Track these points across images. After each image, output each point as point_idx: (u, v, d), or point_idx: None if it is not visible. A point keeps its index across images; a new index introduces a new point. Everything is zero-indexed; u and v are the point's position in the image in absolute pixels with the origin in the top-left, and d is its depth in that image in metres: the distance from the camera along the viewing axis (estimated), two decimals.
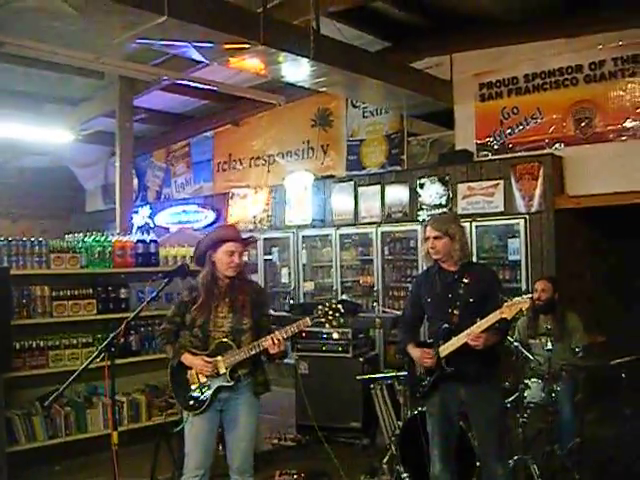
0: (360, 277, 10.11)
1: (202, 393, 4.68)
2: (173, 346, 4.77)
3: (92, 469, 6.91)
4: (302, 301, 10.32)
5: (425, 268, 5.20)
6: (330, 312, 4.63)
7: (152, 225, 13.30)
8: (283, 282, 10.93)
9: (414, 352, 4.90)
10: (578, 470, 5.84)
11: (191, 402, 4.69)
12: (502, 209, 8.87)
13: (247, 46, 7.03)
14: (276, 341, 4.60)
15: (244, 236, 4.93)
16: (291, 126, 11.80)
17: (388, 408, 7.16)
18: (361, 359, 7.83)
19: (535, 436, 6.06)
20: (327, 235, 10.37)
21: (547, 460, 5.82)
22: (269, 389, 4.93)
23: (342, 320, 4.69)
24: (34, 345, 6.96)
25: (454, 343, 4.63)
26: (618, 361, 5.99)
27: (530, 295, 4.70)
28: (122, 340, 4.54)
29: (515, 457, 5.61)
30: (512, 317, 4.49)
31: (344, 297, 9.37)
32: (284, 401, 7.88)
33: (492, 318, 4.48)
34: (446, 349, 4.69)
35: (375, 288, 9.76)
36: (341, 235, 10.18)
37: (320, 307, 4.67)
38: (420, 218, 9.46)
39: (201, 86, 9.22)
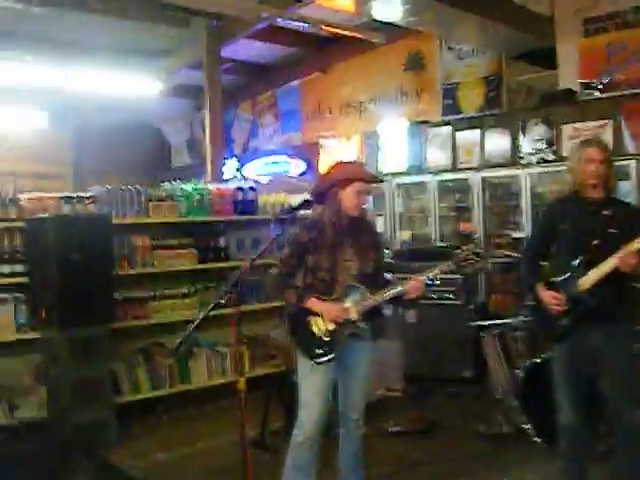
0: (460, 224, 9.75)
1: (330, 341, 4.39)
2: (294, 290, 4.43)
3: (196, 420, 6.86)
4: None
5: (558, 197, 4.82)
6: (471, 255, 4.35)
7: (240, 177, 13.16)
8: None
9: (544, 294, 4.53)
10: None
11: (319, 351, 4.38)
12: (611, 150, 8.38)
13: None
14: (418, 285, 4.35)
15: (373, 175, 4.63)
16: (382, 71, 11.38)
17: (500, 357, 6.91)
18: (471, 306, 7.55)
19: None
20: (423, 182, 10.01)
21: None
22: (385, 335, 4.69)
23: (481, 265, 4.41)
24: (135, 296, 6.88)
25: (599, 272, 4.25)
26: None
27: None
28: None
29: None
30: None
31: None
32: (389, 351, 7.61)
33: None
34: (587, 281, 4.32)
35: (476, 235, 9.40)
36: (438, 182, 9.81)
37: (460, 250, 4.39)
38: (523, 162, 9.05)
39: (296, 27, 8.91)
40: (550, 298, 4.49)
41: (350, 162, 4.95)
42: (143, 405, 6.79)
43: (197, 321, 4.12)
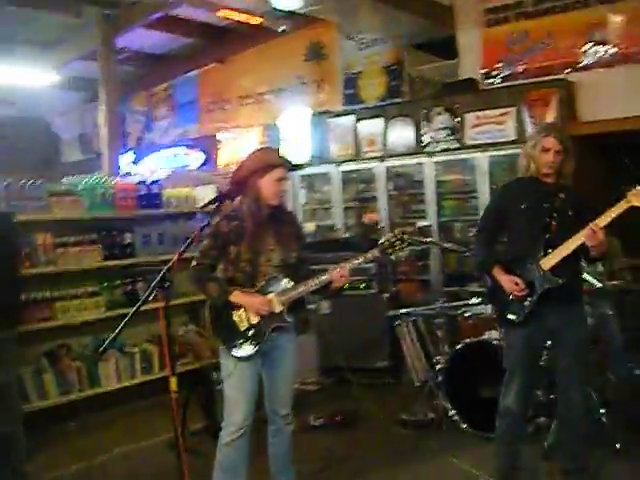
0: (364, 215, 9.72)
1: (255, 335, 4.26)
2: (217, 283, 4.28)
3: (108, 425, 6.59)
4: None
5: (513, 179, 4.81)
6: (397, 242, 4.27)
7: (136, 172, 12.79)
8: None
9: (502, 278, 4.53)
10: (632, 397, 5.62)
11: (243, 345, 4.25)
12: (514, 137, 8.48)
13: None
14: (344, 273, 4.25)
15: (291, 161, 4.49)
16: (281, 62, 11.24)
17: (415, 345, 6.92)
18: (385, 295, 7.52)
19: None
20: (327, 173, 9.92)
21: (602, 386, 5.58)
22: (309, 327, 4.59)
23: (408, 249, 4.34)
24: (39, 297, 6.54)
25: (563, 249, 4.29)
26: None
27: None
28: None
29: None
30: None
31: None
32: (302, 344, 7.49)
33: (618, 208, 4.12)
34: (550, 261, 4.34)
35: (380, 225, 9.38)
36: (342, 172, 9.74)
37: (385, 238, 4.31)
38: (426, 151, 9.07)
39: (194, 17, 8.68)
40: (511, 283, 4.48)
41: (267, 149, 4.83)
42: (52, 412, 6.46)
43: (123, 322, 3.90)
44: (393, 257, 4.38)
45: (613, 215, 4.13)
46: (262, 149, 4.65)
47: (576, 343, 4.43)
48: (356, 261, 4.33)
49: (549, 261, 4.34)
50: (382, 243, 4.30)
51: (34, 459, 5.69)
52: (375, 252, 4.31)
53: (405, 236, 4.28)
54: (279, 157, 4.39)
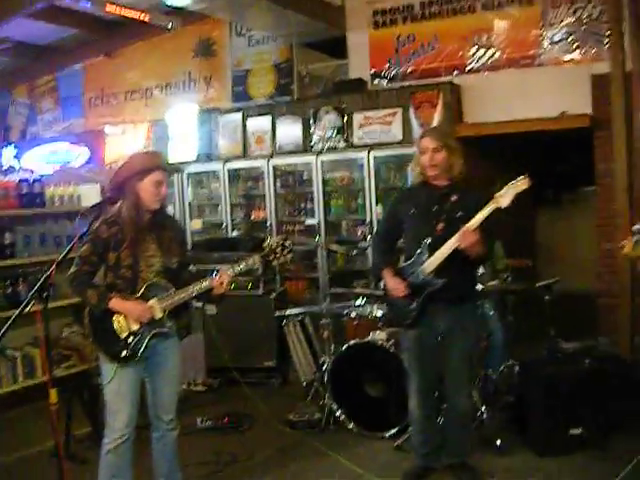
0: (252, 213, 9.71)
1: (135, 342, 4.21)
2: (96, 290, 4.20)
3: None
4: (191, 242, 9.81)
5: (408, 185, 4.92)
6: (278, 248, 4.29)
7: (18, 167, 12.39)
8: None
9: (389, 280, 4.65)
10: (510, 393, 5.85)
11: (123, 353, 4.20)
12: (400, 138, 8.63)
13: None
14: (225, 280, 4.24)
15: (171, 164, 4.45)
16: (170, 57, 11.07)
17: (302, 345, 6.98)
18: (272, 295, 7.55)
19: None
20: (214, 170, 9.87)
21: (483, 384, 5.75)
22: (191, 332, 4.57)
23: (290, 257, 4.37)
24: None
25: (442, 252, 4.39)
26: (543, 283, 6.07)
27: (525, 175, 4.32)
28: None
29: None
30: (508, 205, 4.22)
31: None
32: (189, 345, 7.44)
33: (486, 209, 4.24)
34: (431, 263, 4.44)
35: (268, 223, 9.40)
36: (229, 170, 9.70)
37: (267, 243, 4.35)
38: (314, 150, 9.13)
39: (80, 8, 8.40)
40: (393, 284, 4.58)
41: (144, 152, 4.80)
42: None
43: (4, 328, 3.79)
44: (275, 264, 4.40)
45: (481, 217, 4.26)
46: (140, 152, 4.62)
47: (464, 343, 4.57)
48: (238, 267, 4.34)
49: (430, 265, 4.45)
50: (263, 250, 4.32)
51: None
52: (256, 259, 4.34)
53: (287, 243, 4.32)
54: (158, 160, 4.34)
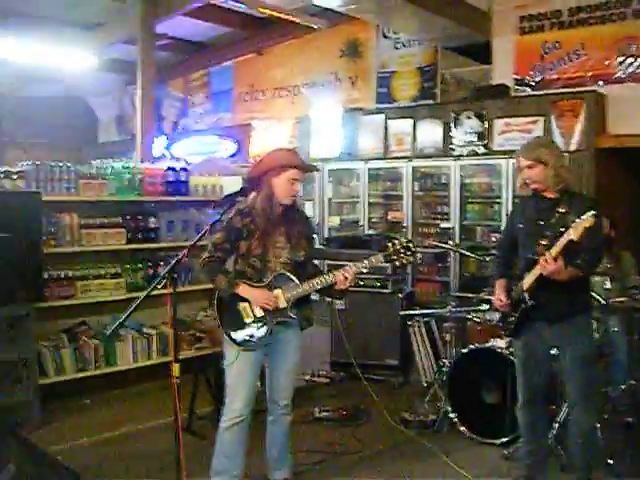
0: (389, 213, 9.80)
1: (258, 328, 4.42)
2: (226, 276, 4.42)
3: (121, 403, 6.78)
4: (327, 235, 10.02)
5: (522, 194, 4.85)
6: (402, 250, 4.38)
7: (169, 156, 12.99)
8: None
9: (496, 291, 4.69)
10: (630, 413, 5.68)
11: (246, 338, 4.42)
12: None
13: None
14: (348, 276, 4.37)
15: (307, 163, 4.63)
16: (318, 56, 11.36)
17: (426, 346, 7.03)
18: (399, 295, 7.63)
19: None
20: (355, 169, 10.03)
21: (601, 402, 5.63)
22: (312, 323, 4.72)
23: (412, 259, 4.45)
24: (62, 275, 6.73)
25: (534, 274, 4.35)
26: None
27: (593, 212, 4.15)
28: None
29: None
30: (579, 238, 4.09)
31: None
32: (316, 337, 7.62)
33: (562, 241, 4.16)
34: (526, 282, 4.42)
35: (404, 224, 9.47)
36: (369, 169, 9.83)
37: (391, 244, 4.42)
38: (454, 154, 9.14)
39: (236, 7, 8.72)
40: (496, 296, 4.65)
41: (284, 149, 4.93)
42: (67, 387, 6.66)
43: (131, 309, 4.06)
44: (397, 264, 4.47)
45: (558, 249, 4.18)
46: (280, 149, 4.78)
47: (574, 359, 4.46)
48: (361, 265, 4.43)
49: (525, 283, 4.44)
50: (387, 250, 4.40)
51: (46, 430, 5.93)
52: (380, 258, 4.43)
53: (411, 245, 4.39)
54: (295, 158, 4.52)
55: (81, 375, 6.76)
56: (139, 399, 6.85)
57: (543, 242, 4.37)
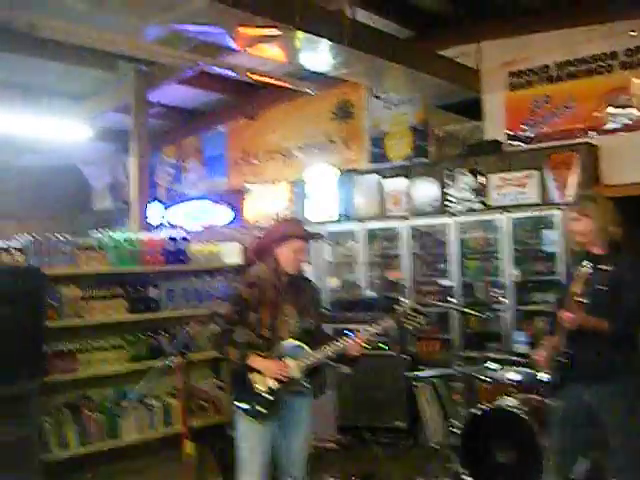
0: (388, 272, 9.79)
1: (271, 399, 4.37)
2: (236, 347, 4.39)
3: (123, 477, 6.63)
4: (327, 299, 9.97)
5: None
6: (410, 312, 4.36)
7: (168, 224, 12.99)
8: None
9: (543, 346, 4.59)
10: None
11: (260, 409, 4.36)
12: (536, 200, 8.58)
13: (278, 33, 6.77)
14: (360, 342, 4.34)
15: (311, 232, 4.65)
16: (310, 119, 11.45)
17: (434, 406, 6.96)
18: (405, 356, 7.58)
19: None
20: (352, 230, 10.05)
21: None
22: (325, 391, 4.67)
23: (422, 322, 4.42)
24: (64, 349, 6.64)
25: (561, 329, 4.31)
26: None
27: (588, 264, 4.19)
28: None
29: None
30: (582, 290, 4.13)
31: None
32: (321, 400, 7.56)
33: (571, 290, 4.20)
34: (556, 338, 4.39)
35: (404, 283, 9.45)
36: (367, 230, 9.86)
37: (399, 307, 4.44)
38: (450, 211, 9.17)
39: (227, 74, 8.81)
40: (535, 351, 4.59)
41: (287, 220, 4.99)
42: (72, 462, 6.53)
43: (144, 384, 4.02)
44: (407, 327, 4.45)
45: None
46: (283, 220, 4.84)
47: (609, 424, 4.33)
48: (373, 330, 4.42)
49: (556, 338, 4.40)
50: (395, 313, 4.39)
51: None
52: (390, 322, 4.42)
53: (420, 307, 4.38)
54: (299, 228, 4.54)
55: (84, 450, 6.63)
56: (145, 474, 6.70)
57: (580, 299, 4.23)
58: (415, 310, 4.40)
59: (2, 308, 5.64)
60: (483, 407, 5.83)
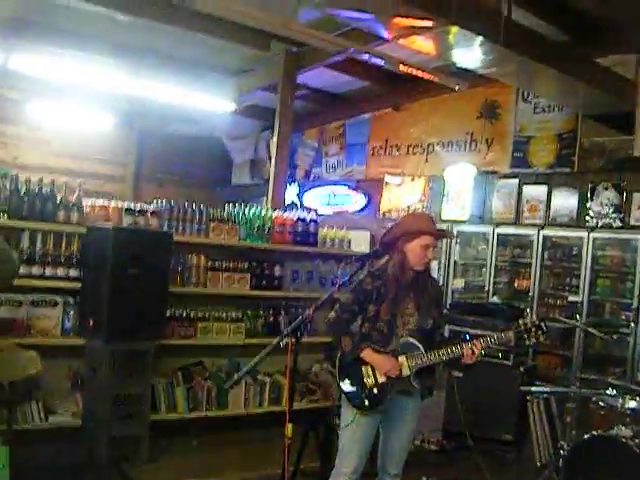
0: (515, 280, 9.58)
1: (378, 393, 4.33)
2: (352, 338, 4.37)
3: (228, 448, 6.76)
4: (450, 300, 9.88)
5: None
6: (533, 328, 4.26)
7: (299, 204, 13.12)
8: None
9: None
10: None
11: (366, 401, 4.34)
12: None
13: (432, 25, 6.67)
14: (476, 351, 4.26)
15: (440, 229, 4.59)
16: (454, 116, 11.28)
17: (544, 424, 6.75)
18: (521, 368, 7.41)
19: None
20: (484, 233, 9.89)
21: None
22: (433, 394, 4.61)
23: (542, 339, 4.31)
24: (184, 314, 6.82)
25: None
26: None
27: None
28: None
29: None
30: None
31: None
32: (430, 402, 7.49)
33: None
34: None
35: (530, 293, 9.24)
36: (499, 234, 9.68)
37: (522, 321, 4.34)
38: (588, 225, 8.88)
39: (376, 63, 8.74)
40: None
41: (418, 215, 4.95)
42: (177, 425, 6.72)
43: (252, 364, 4.09)
44: (527, 343, 4.34)
45: None
46: (414, 214, 4.82)
47: None
48: (490, 340, 4.32)
49: None
50: (519, 326, 4.29)
51: (152, 467, 6.00)
52: (510, 335, 4.36)
53: (543, 324, 4.26)
54: (429, 224, 4.48)
55: (192, 415, 6.80)
56: (246, 446, 6.81)
57: None
58: (537, 326, 4.29)
59: (132, 268, 5.83)
60: (595, 433, 5.61)
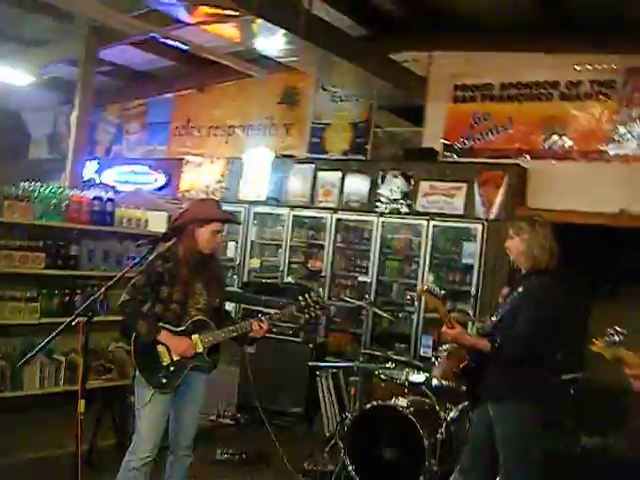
0: (309, 261, 9.97)
1: (175, 372, 4.51)
2: (146, 321, 4.50)
3: (22, 428, 6.68)
4: (246, 279, 10.16)
5: None
6: (312, 303, 4.58)
7: (98, 181, 12.93)
8: (228, 256, 10.69)
9: None
10: None
11: (163, 380, 4.50)
12: (461, 212, 8.83)
13: (235, 13, 6.87)
14: (264, 326, 4.54)
15: (228, 215, 4.82)
16: (256, 100, 11.56)
17: (332, 397, 7.15)
18: (310, 345, 7.77)
19: None
20: (280, 215, 10.22)
21: None
22: (217, 366, 4.83)
23: (321, 314, 4.65)
24: None
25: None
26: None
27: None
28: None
29: None
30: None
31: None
32: (224, 377, 7.67)
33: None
34: None
35: (323, 274, 9.65)
36: (294, 216, 10.04)
37: (302, 297, 4.64)
38: (378, 210, 9.38)
39: (177, 45, 8.82)
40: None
41: (208, 201, 5.12)
42: None
43: (45, 341, 4.14)
44: (306, 317, 4.66)
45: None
46: (205, 200, 5.00)
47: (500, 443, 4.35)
48: (276, 316, 4.62)
49: None
50: (299, 303, 4.59)
51: None
52: (292, 310, 4.64)
53: (320, 300, 4.60)
54: (219, 211, 4.73)
55: None
56: (42, 426, 6.77)
57: (493, 318, 4.46)
58: (316, 302, 4.61)
59: None
60: (374, 403, 6.05)
